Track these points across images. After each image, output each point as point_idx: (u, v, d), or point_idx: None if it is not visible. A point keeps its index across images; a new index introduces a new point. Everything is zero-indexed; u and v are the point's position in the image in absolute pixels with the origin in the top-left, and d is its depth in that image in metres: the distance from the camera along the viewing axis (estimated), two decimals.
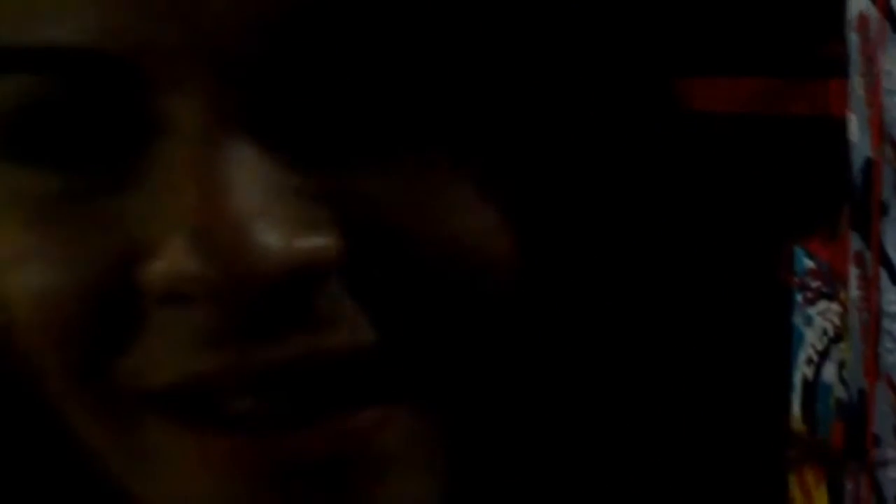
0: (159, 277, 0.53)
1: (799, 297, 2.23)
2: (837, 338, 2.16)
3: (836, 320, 2.17)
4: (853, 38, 1.88)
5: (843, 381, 2.13)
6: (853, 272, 1.91)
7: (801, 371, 2.24)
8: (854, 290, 1.91)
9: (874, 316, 1.84)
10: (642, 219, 0.88)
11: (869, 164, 1.85)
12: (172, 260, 0.53)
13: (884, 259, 1.82)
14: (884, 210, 1.81)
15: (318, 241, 0.53)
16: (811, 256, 2.21)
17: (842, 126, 1.94)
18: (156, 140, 0.54)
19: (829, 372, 2.20)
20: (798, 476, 2.34)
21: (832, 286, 2.16)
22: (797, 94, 2.39)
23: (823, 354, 2.20)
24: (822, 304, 2.18)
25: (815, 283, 2.15)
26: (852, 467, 1.94)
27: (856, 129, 1.88)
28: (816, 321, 2.20)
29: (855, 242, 1.91)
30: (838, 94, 1.96)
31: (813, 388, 2.24)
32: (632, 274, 0.84)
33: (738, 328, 2.40)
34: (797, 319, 2.24)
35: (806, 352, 2.22)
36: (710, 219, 2.47)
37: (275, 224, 0.52)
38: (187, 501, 0.60)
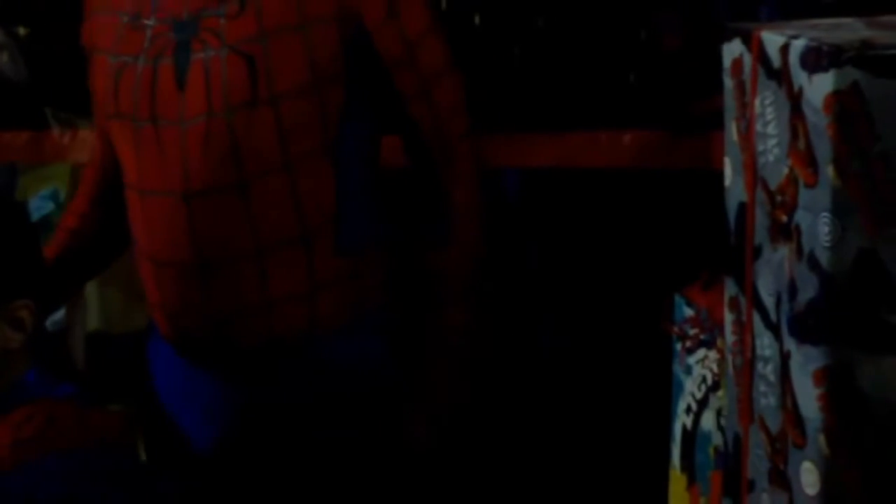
0: None
1: (678, 346, 2.23)
2: (716, 385, 2.16)
3: (715, 368, 2.17)
4: (728, 83, 1.90)
5: (721, 428, 2.13)
6: (728, 317, 1.92)
7: (681, 420, 2.24)
8: (729, 335, 1.92)
9: (748, 360, 1.84)
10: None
11: (742, 208, 1.86)
12: None
13: (757, 303, 1.83)
14: (757, 253, 1.83)
15: None
16: (690, 304, 2.21)
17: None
18: None
19: (708, 420, 2.20)
20: None
21: (711, 333, 2.16)
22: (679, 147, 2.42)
23: (702, 403, 2.20)
24: (701, 352, 2.19)
25: (693, 331, 2.15)
26: None
27: (730, 173, 1.90)
28: (695, 369, 2.20)
29: (729, 288, 1.92)
30: (721, 147, 1.99)
31: (692, 437, 2.24)
32: None
33: (622, 378, 2.39)
34: (677, 368, 2.25)
35: (685, 401, 2.22)
36: (592, 268, 2.48)
37: None
38: None
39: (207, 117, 2.00)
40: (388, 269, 2.12)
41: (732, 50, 1.86)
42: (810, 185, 1.65)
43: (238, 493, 2.09)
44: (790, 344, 1.71)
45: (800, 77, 1.66)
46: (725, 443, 1.93)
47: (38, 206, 3.07)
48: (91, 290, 3.16)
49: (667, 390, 2.21)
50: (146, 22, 2.03)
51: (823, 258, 1.63)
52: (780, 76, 1.72)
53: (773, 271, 1.76)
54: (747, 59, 1.82)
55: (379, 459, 2.11)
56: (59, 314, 3.11)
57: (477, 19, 2.48)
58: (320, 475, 2.09)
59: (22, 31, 2.81)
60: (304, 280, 2.05)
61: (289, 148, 2.02)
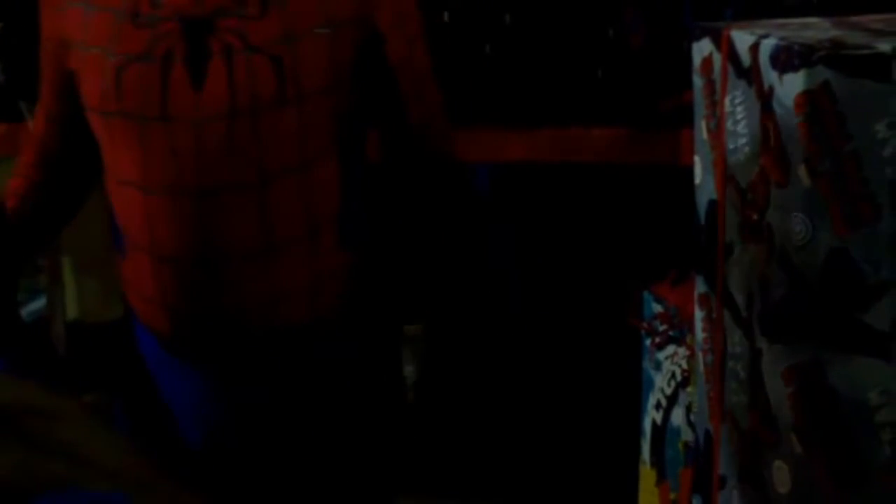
0: None
1: (647, 342, 2.24)
2: (685, 381, 2.17)
3: (685, 364, 2.18)
4: (698, 82, 1.91)
5: (690, 424, 2.14)
6: (698, 314, 1.92)
7: (651, 416, 2.25)
8: (699, 332, 1.92)
9: (719, 357, 1.85)
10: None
11: (713, 206, 1.87)
12: None
13: (728, 300, 1.83)
14: (728, 251, 1.83)
15: None
16: (659, 300, 2.22)
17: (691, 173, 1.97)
18: None
19: (678, 416, 2.21)
20: None
21: (681, 330, 2.17)
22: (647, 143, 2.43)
23: (672, 399, 2.21)
24: (671, 349, 2.19)
25: (662, 327, 2.16)
26: None
27: (700, 171, 1.91)
28: (665, 365, 2.21)
29: (700, 285, 1.93)
30: (689, 143, 1.99)
31: (661, 432, 2.24)
32: None
33: (590, 374, 2.39)
34: (646, 364, 2.25)
35: (655, 396, 2.23)
36: (560, 265, 2.49)
37: None
38: None
39: (230, 117, 2.00)
40: (378, 263, 2.14)
41: (702, 48, 1.87)
42: (781, 185, 1.65)
43: (227, 493, 2.09)
44: (761, 342, 1.71)
45: (770, 76, 1.67)
46: (696, 439, 1.94)
47: None
48: (69, 280, 3.17)
49: (636, 386, 2.22)
50: (148, 18, 2.02)
51: (795, 257, 1.63)
52: (750, 75, 1.72)
53: (744, 269, 1.76)
54: (717, 58, 1.82)
55: (368, 457, 2.12)
56: (40, 303, 3.12)
57: (446, 17, 2.49)
58: (309, 471, 2.10)
59: None
60: (307, 273, 2.06)
61: (307, 146, 2.03)
